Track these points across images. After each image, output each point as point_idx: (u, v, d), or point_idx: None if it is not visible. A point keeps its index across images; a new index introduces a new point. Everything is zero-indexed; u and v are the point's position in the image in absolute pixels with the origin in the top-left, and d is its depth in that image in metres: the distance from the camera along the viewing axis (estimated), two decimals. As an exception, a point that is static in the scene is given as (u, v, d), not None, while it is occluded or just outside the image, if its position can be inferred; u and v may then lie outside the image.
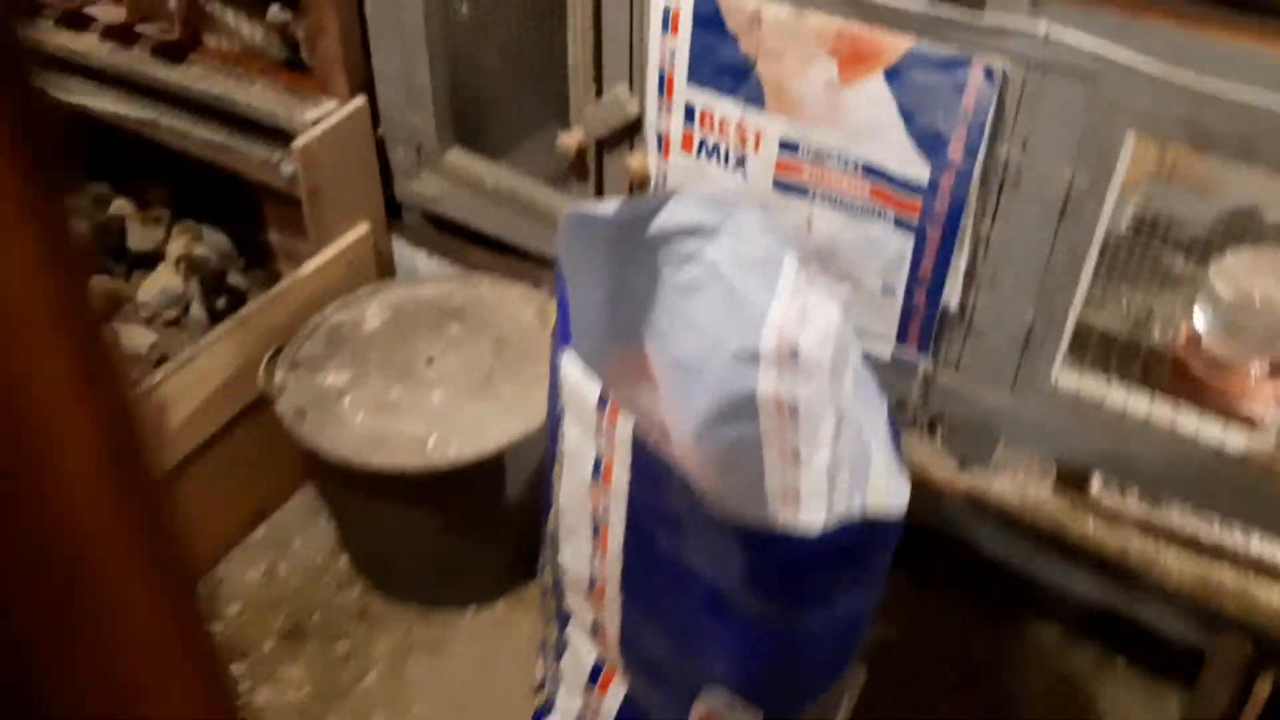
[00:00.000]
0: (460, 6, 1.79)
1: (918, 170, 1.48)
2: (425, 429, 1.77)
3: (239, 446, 1.97)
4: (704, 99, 1.62)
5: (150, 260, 2.69)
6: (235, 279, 2.62)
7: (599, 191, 1.84)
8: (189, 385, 1.83)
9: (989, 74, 1.37)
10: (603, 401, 1.23)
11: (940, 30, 1.39)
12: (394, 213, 2.17)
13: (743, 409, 1.48)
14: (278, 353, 1.91)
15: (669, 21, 1.59)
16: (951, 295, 1.53)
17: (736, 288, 1.43)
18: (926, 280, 1.54)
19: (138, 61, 2.15)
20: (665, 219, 1.43)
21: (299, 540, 2.09)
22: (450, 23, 1.83)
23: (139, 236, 2.62)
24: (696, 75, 1.61)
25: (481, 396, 1.81)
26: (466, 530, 1.85)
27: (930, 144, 1.46)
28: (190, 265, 2.58)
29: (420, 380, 1.85)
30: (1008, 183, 1.43)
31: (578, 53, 1.70)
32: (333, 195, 1.98)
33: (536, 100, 1.85)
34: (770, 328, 1.43)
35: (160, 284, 2.53)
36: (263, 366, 1.88)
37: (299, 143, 1.88)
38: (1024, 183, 1.42)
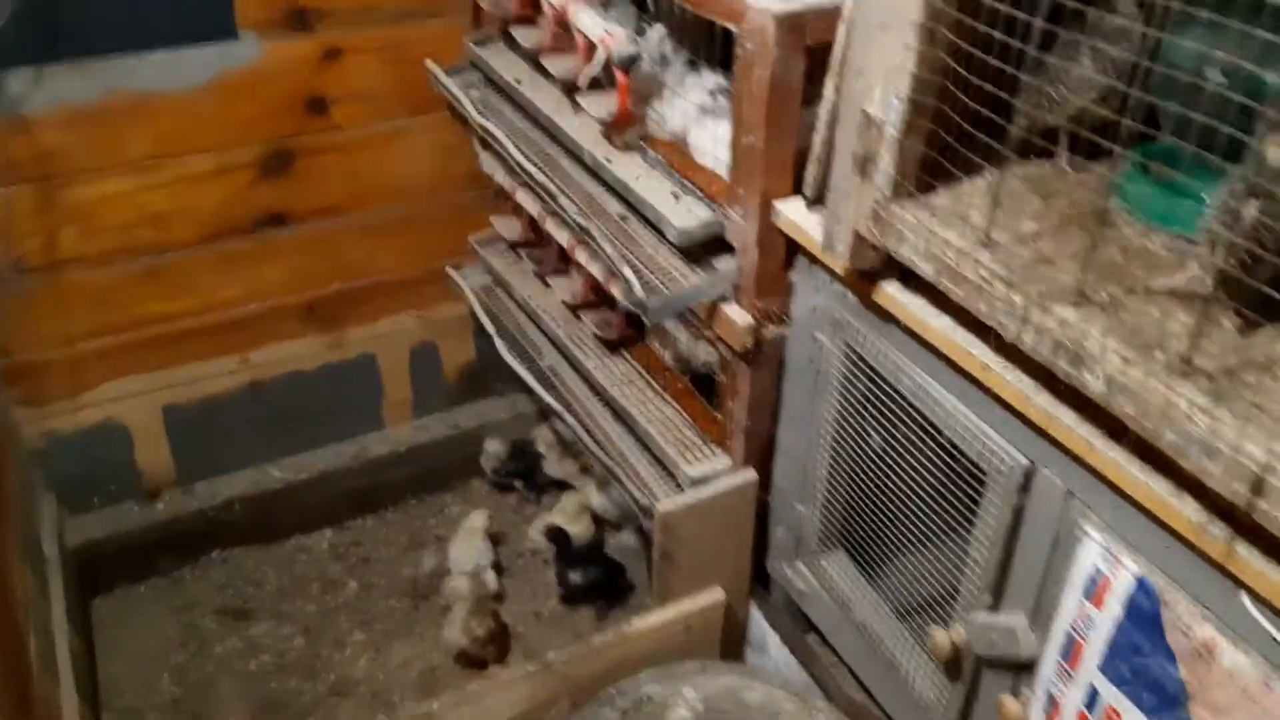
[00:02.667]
0: (872, 436, 1.52)
1: None
2: None
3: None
4: (1114, 696, 1.20)
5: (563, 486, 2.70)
6: (627, 539, 2.53)
7: (965, 707, 1.46)
8: (472, 715, 1.72)
9: None
10: None
11: None
12: (762, 579, 1.94)
13: None
14: (575, 706, 1.76)
15: (1094, 588, 1.20)
16: None
17: None
18: None
19: (577, 336, 2.12)
20: None
21: None
22: (859, 441, 1.56)
23: (554, 466, 2.63)
24: (1112, 668, 1.20)
25: None
26: None
27: None
28: (590, 515, 2.52)
29: (689, 823, 1.59)
30: None
31: (981, 552, 1.36)
32: (690, 559, 1.79)
33: (935, 562, 1.52)
34: None
35: (542, 526, 2.48)
36: (553, 722, 1.73)
37: (662, 508, 1.71)
38: None
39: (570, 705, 1.75)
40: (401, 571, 2.54)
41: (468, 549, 2.44)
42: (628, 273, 1.63)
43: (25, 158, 2.00)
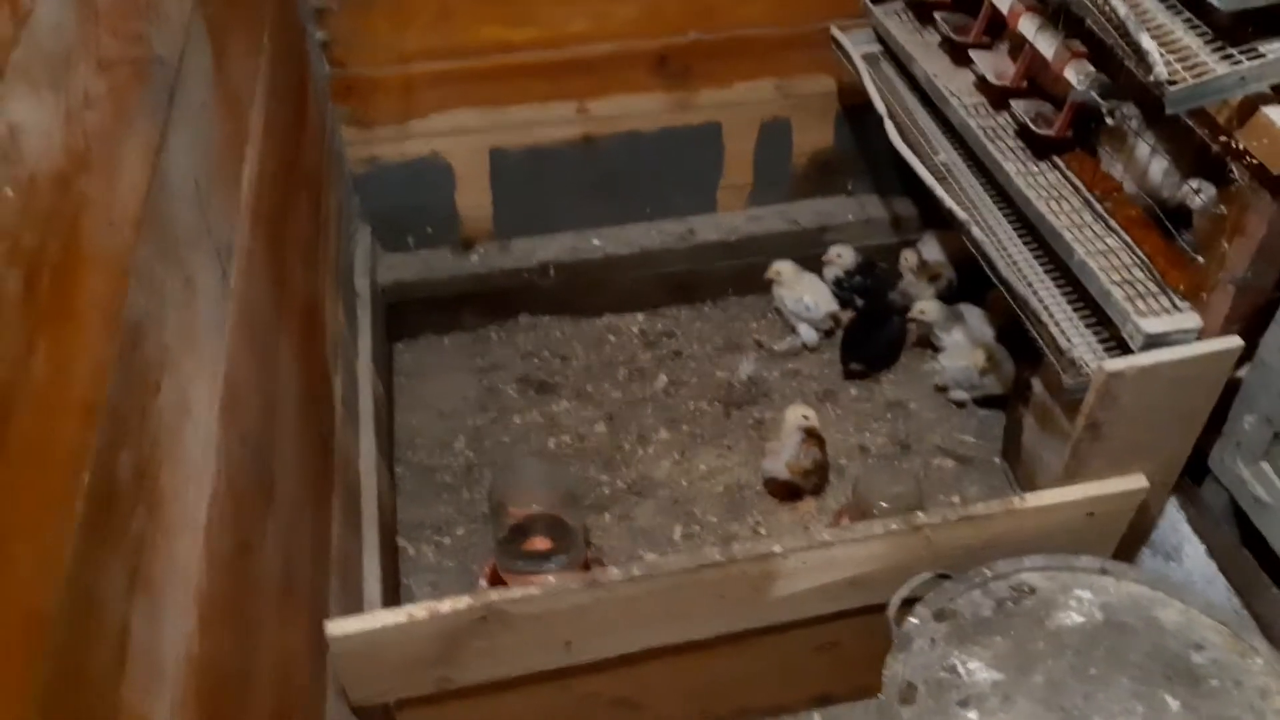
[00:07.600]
0: None
1: None
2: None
3: (839, 630, 1.57)
4: None
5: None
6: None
7: None
8: (815, 565, 1.44)
9: None
10: None
11: None
12: (1195, 474, 1.52)
13: None
14: (941, 578, 1.45)
15: None
16: None
17: None
18: None
19: (994, 129, 1.69)
20: None
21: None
22: None
23: (910, 285, 2.25)
24: None
25: None
26: None
27: None
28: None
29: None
30: None
31: None
32: (1121, 435, 1.40)
33: None
34: None
35: (966, 361, 2.11)
36: (903, 593, 1.43)
37: (1109, 367, 1.31)
38: None
39: (940, 576, 1.44)
40: (715, 373, 2.27)
41: (818, 289, 2.26)
42: (1147, 43, 1.18)
43: None
